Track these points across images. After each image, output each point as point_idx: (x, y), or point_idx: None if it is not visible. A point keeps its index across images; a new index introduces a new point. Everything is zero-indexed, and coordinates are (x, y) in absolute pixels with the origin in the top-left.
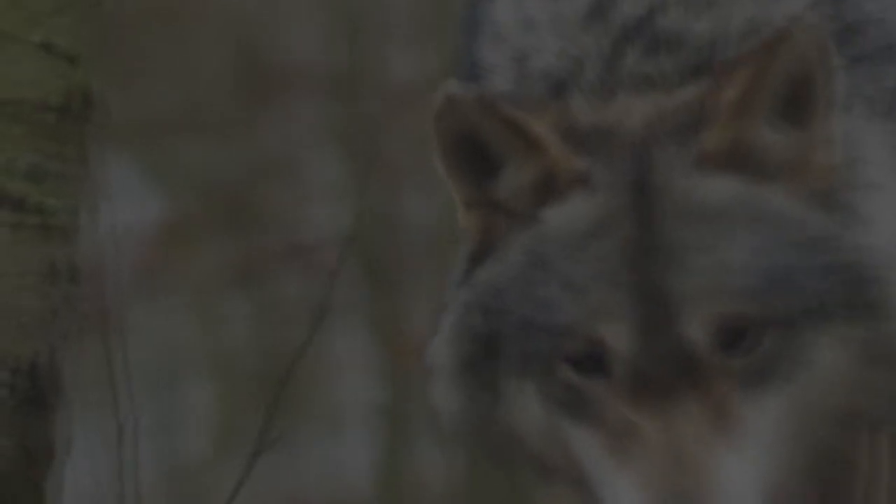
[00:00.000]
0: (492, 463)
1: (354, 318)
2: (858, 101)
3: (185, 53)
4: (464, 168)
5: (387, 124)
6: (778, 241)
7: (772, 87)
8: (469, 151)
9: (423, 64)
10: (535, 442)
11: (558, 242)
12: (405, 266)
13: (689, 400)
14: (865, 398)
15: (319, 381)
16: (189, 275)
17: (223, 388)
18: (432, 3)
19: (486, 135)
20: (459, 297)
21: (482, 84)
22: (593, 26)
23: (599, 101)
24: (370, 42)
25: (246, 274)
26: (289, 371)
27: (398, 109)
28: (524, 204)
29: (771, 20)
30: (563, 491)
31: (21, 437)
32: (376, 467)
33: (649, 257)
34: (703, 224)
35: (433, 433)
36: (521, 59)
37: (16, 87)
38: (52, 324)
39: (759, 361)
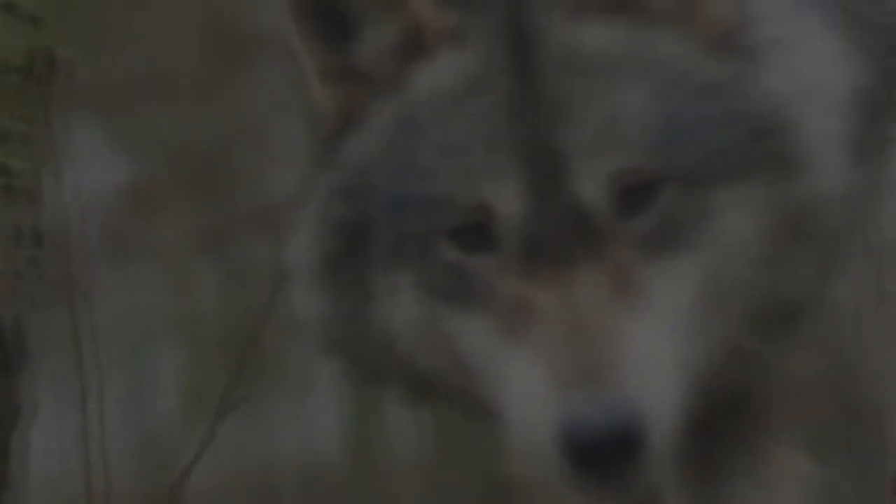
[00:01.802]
0: (367, 380)
1: None
2: None
3: (153, 16)
4: (317, 31)
5: None
6: (671, 87)
7: None
8: (323, 11)
9: None
10: (411, 343)
11: (430, 104)
12: None
13: (587, 268)
14: (776, 275)
15: (288, 344)
16: (156, 238)
17: (191, 352)
18: None
19: None
20: (317, 183)
21: None
22: None
23: None
24: None
25: (214, 238)
26: (254, 334)
27: None
28: (388, 67)
29: None
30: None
31: None
32: (345, 429)
33: (532, 111)
34: (588, 73)
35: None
36: None
37: None
38: (17, 287)
39: (660, 224)
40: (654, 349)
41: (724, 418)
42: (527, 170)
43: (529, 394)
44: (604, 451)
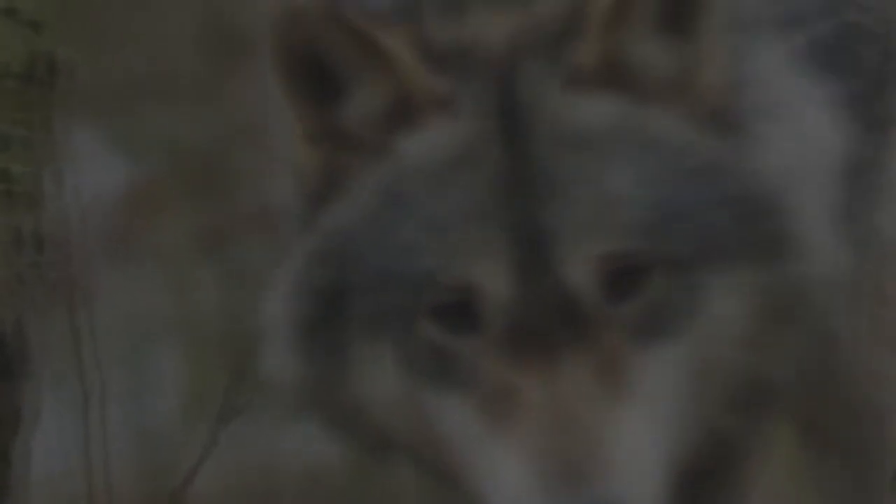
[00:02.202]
0: (339, 435)
1: None
2: (747, 23)
3: (152, 17)
4: (305, 91)
5: None
6: (665, 168)
7: None
8: (312, 71)
9: None
10: (388, 416)
11: (417, 176)
12: None
13: (574, 354)
14: (763, 362)
15: None
16: (157, 241)
17: (192, 353)
18: None
19: (333, 51)
20: (298, 246)
21: None
22: None
23: (451, 20)
24: None
25: (214, 238)
26: (255, 336)
27: None
28: (375, 133)
29: None
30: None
31: None
32: None
33: (522, 189)
34: (581, 150)
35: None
36: None
37: None
38: (18, 291)
39: (650, 309)
40: (641, 443)
41: (704, 478)
42: (515, 250)
43: (512, 487)
44: None
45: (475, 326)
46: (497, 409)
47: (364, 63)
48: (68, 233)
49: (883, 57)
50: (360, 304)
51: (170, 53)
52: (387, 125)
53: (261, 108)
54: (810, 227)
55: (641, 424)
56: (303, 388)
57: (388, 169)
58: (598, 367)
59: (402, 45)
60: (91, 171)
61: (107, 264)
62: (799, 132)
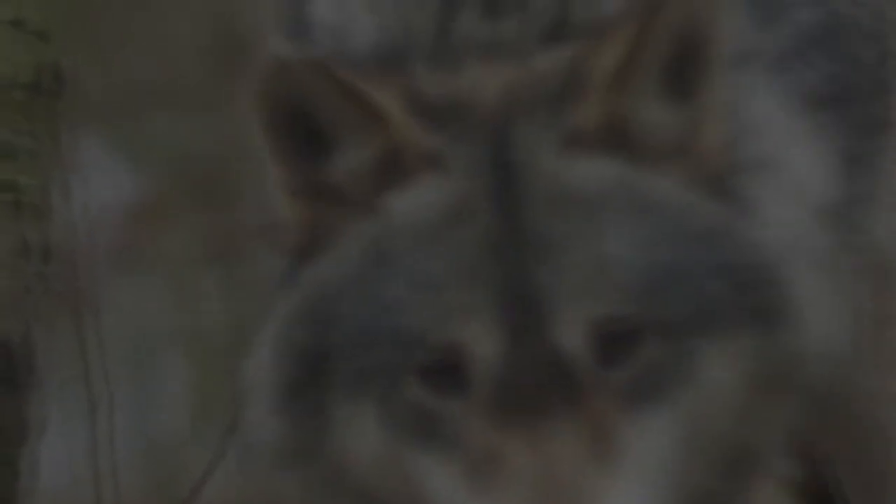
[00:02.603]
0: (319, 497)
1: None
2: (750, 56)
3: (158, 27)
4: (290, 145)
5: None
6: (663, 233)
7: (656, 52)
8: (298, 125)
9: None
10: (371, 477)
11: (406, 234)
12: None
13: (564, 419)
14: (754, 430)
15: None
16: (164, 251)
17: (198, 364)
18: None
19: (320, 105)
20: (281, 304)
21: (314, 45)
22: None
23: (443, 74)
24: None
25: (221, 250)
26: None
27: None
28: (364, 189)
29: None
30: None
31: None
32: None
33: (514, 250)
34: (576, 212)
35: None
36: (339, 41)
37: None
38: (24, 302)
39: (642, 375)
40: None
41: None
42: (505, 311)
43: None
44: None
45: (462, 388)
46: (483, 473)
47: (353, 118)
48: (75, 243)
49: (880, 57)
50: (343, 363)
51: (176, 63)
52: (375, 182)
53: None
54: (807, 301)
55: (631, 491)
56: (285, 447)
57: (375, 226)
58: (587, 432)
59: (392, 99)
60: (98, 182)
61: (113, 275)
62: (793, 188)
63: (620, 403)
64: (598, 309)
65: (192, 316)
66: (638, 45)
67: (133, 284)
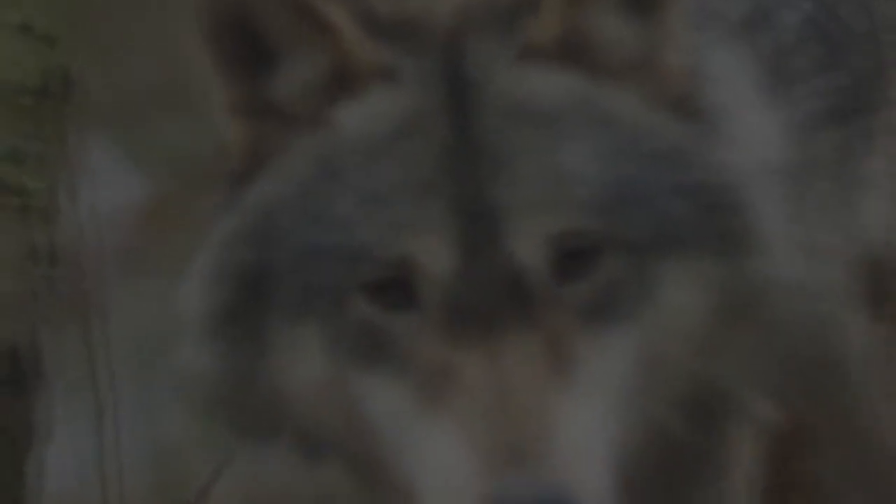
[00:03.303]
0: (250, 438)
1: None
2: (710, 20)
3: (164, 30)
4: (235, 60)
5: None
6: (623, 148)
7: None
8: (241, 39)
9: None
10: (312, 407)
11: (355, 147)
12: None
13: (519, 335)
14: (718, 365)
15: None
16: (171, 254)
17: None
18: None
19: (265, 18)
20: (220, 226)
21: None
22: None
23: None
24: None
25: None
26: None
27: None
28: (311, 104)
29: None
30: None
31: (1, 420)
32: None
33: (468, 163)
34: (533, 125)
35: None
36: None
37: None
38: (32, 306)
39: (601, 294)
40: (587, 429)
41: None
42: (459, 225)
43: (448, 472)
44: None
45: (412, 304)
46: (433, 390)
47: (300, 31)
48: (82, 246)
49: (870, 47)
50: (286, 282)
51: (182, 65)
52: (324, 95)
53: None
54: (770, 225)
55: (587, 410)
56: (220, 382)
57: (323, 141)
58: (543, 348)
59: (342, 13)
60: (105, 185)
61: (121, 277)
62: (755, 134)
63: (578, 321)
64: (556, 223)
65: None
66: None
67: (140, 287)
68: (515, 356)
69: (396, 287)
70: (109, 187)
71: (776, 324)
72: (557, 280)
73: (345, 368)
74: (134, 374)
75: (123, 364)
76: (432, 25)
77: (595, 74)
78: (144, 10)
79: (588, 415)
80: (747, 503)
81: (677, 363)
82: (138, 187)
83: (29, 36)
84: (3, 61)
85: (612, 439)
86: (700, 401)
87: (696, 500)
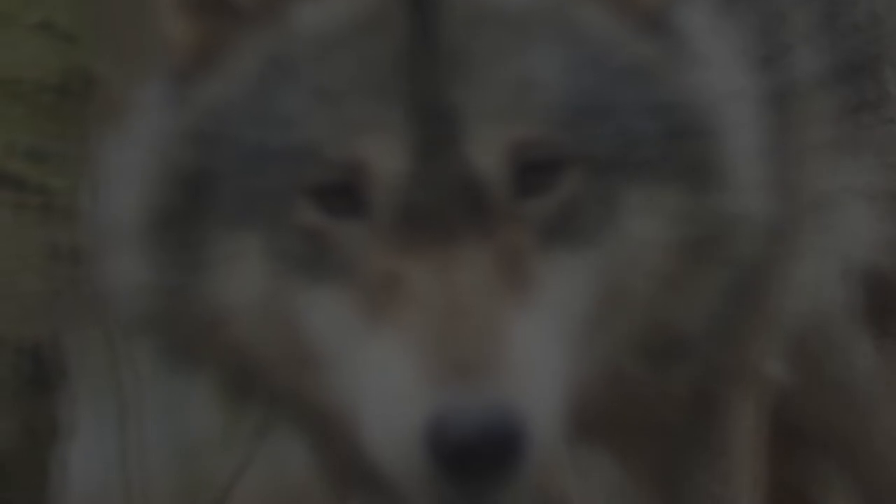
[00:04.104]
0: (177, 365)
1: None
2: None
3: None
4: None
5: None
6: (589, 60)
7: None
8: None
9: None
10: (248, 322)
11: (308, 44)
12: None
13: (473, 246)
14: (673, 301)
15: None
16: None
17: None
18: None
19: None
20: (156, 125)
21: None
22: None
23: None
24: None
25: None
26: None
27: None
28: None
29: None
30: None
31: (25, 418)
32: None
33: (427, 63)
34: (496, 28)
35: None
36: None
37: (15, 67)
38: (55, 305)
39: (560, 210)
40: (539, 347)
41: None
42: (413, 126)
43: (392, 385)
44: (477, 452)
45: (361, 209)
46: (379, 301)
47: None
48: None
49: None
50: (228, 187)
51: None
52: None
53: None
54: (742, 160)
55: (541, 329)
56: (151, 298)
57: (274, 35)
58: (496, 261)
59: None
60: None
61: None
62: (730, 58)
63: (535, 239)
64: (517, 131)
65: None
66: None
67: None
68: (467, 268)
69: (345, 191)
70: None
71: (737, 261)
72: (516, 192)
73: (286, 281)
74: (157, 374)
75: (147, 364)
76: None
77: None
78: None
79: (540, 335)
80: (750, 490)
81: (636, 298)
82: None
83: (50, 34)
84: (24, 60)
85: (566, 369)
86: (660, 345)
87: (697, 481)
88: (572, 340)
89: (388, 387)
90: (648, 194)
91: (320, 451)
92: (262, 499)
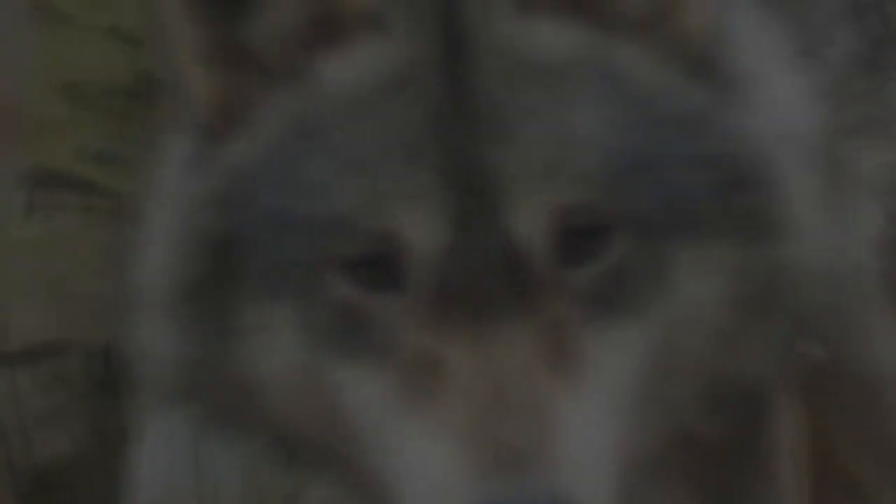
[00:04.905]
0: (222, 431)
1: None
2: None
3: None
4: (203, 3)
5: None
6: (636, 112)
7: None
8: None
9: None
10: (282, 397)
11: (337, 105)
12: None
13: (517, 323)
14: (737, 358)
15: None
16: None
17: None
18: None
19: None
20: (180, 187)
21: None
22: None
23: None
24: None
25: None
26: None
27: None
28: (289, 54)
29: None
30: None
31: (94, 422)
32: None
33: (463, 125)
34: (536, 83)
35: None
36: None
37: (84, 71)
38: (123, 308)
39: (608, 279)
40: (589, 431)
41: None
42: (451, 195)
43: (434, 475)
44: None
45: (397, 284)
46: (420, 382)
47: None
48: None
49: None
50: (257, 256)
51: None
52: (304, 45)
53: None
54: (800, 206)
55: (590, 411)
56: (181, 368)
57: (301, 95)
58: (542, 339)
59: None
60: None
61: None
62: (782, 97)
63: (581, 310)
64: (561, 196)
65: None
66: None
67: None
68: (511, 348)
69: (379, 264)
70: None
71: (796, 307)
72: (560, 261)
73: (320, 355)
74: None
75: None
76: None
77: (602, 27)
78: None
79: (591, 418)
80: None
81: (690, 359)
82: None
83: (118, 38)
84: (92, 64)
85: (620, 443)
86: (723, 395)
87: (745, 489)
88: (625, 415)
89: (430, 477)
90: (702, 252)
91: None
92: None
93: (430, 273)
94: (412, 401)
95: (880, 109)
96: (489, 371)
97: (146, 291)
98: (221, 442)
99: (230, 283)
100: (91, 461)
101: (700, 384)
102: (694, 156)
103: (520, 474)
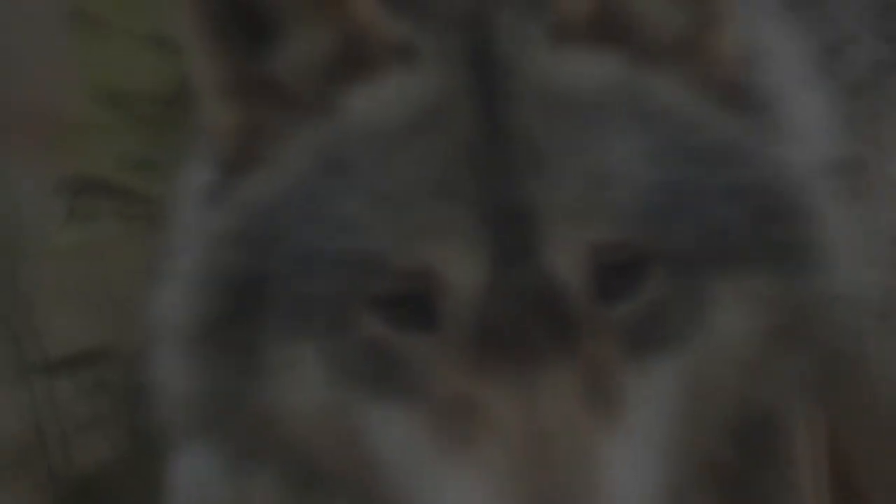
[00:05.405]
0: (242, 465)
1: None
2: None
3: None
4: (227, 29)
5: None
6: (670, 144)
7: None
8: (236, 9)
9: None
10: (312, 435)
11: (366, 139)
12: None
13: (555, 364)
14: (764, 388)
15: None
16: None
17: None
18: None
19: None
20: (204, 225)
21: None
22: None
23: None
24: None
25: None
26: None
27: None
28: (316, 86)
29: None
30: None
31: (134, 428)
32: None
33: (498, 159)
34: (571, 116)
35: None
36: None
37: (125, 79)
38: None
39: (646, 315)
40: (633, 476)
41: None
42: (487, 231)
43: None
44: None
45: (431, 323)
46: (455, 426)
47: (307, 1)
48: None
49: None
50: (284, 292)
51: None
52: (331, 77)
53: None
54: (834, 237)
55: (633, 453)
56: (204, 405)
57: (329, 129)
58: (583, 379)
59: None
60: None
61: None
62: (814, 126)
63: (620, 347)
64: (599, 232)
65: None
66: None
67: None
68: (552, 391)
69: (413, 302)
70: None
71: (826, 337)
72: (598, 299)
73: (350, 396)
74: None
75: None
76: None
77: (636, 58)
78: None
79: (634, 458)
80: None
81: (725, 390)
82: None
83: (159, 46)
84: (131, 71)
85: (660, 480)
86: (749, 421)
87: (766, 499)
88: (663, 451)
89: None
90: (738, 284)
91: None
92: None
93: (466, 311)
94: (448, 444)
95: None
96: (531, 417)
97: (165, 327)
98: (242, 473)
99: (254, 319)
100: (131, 467)
101: (727, 412)
102: (730, 187)
103: None
